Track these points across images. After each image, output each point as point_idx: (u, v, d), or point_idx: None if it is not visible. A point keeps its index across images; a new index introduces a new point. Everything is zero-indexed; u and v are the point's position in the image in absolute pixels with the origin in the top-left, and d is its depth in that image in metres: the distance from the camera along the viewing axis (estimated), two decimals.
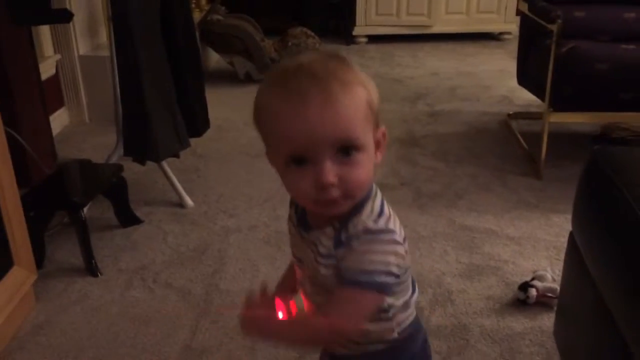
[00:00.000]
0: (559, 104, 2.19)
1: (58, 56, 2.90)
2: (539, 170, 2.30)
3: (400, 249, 0.75)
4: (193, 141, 2.29)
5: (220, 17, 3.74)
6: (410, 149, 2.61)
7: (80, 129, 2.94)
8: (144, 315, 1.57)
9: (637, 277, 0.90)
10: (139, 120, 1.85)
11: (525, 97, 3.09)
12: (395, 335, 0.84)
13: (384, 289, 0.74)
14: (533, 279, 1.59)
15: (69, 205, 1.72)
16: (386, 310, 0.81)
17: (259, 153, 2.59)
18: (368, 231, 0.74)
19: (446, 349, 1.42)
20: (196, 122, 2.11)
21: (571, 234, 1.24)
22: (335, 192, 0.72)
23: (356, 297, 0.74)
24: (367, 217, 0.75)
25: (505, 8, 4.56)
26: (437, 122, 2.95)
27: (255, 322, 0.76)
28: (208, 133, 2.38)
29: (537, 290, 1.55)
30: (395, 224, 0.76)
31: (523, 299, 1.56)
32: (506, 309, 1.57)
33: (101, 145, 2.62)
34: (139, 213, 2.04)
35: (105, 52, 3.05)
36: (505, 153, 2.56)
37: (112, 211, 2.01)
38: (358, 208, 0.76)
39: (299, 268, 0.86)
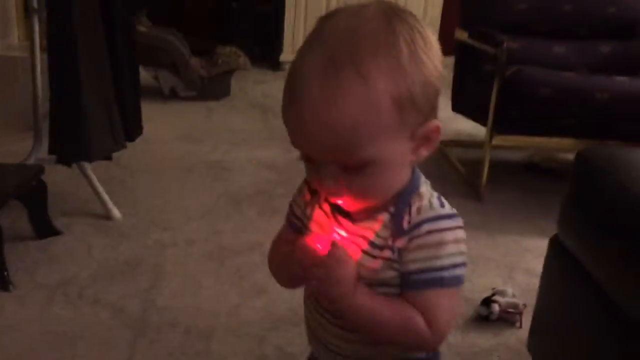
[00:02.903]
0: (502, 127, 2.21)
1: None
2: (479, 193, 2.31)
3: (463, 237, 0.65)
4: (116, 152, 2.08)
5: (144, 29, 3.55)
6: None
7: None
8: (70, 335, 1.34)
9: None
10: (72, 116, 1.65)
11: (456, 127, 3.15)
12: (422, 355, 0.72)
13: (461, 283, 0.64)
14: (494, 294, 1.55)
15: None
16: None
17: (191, 167, 2.45)
18: (442, 217, 0.64)
19: None
20: (130, 125, 1.92)
21: (552, 239, 1.20)
22: (343, 195, 0.63)
23: (440, 300, 0.63)
24: (429, 199, 0.65)
25: None
26: None
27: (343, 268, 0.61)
28: (133, 145, 2.17)
29: (500, 305, 1.50)
30: None
31: (486, 315, 1.50)
32: (469, 325, 1.50)
33: (9, 153, 2.32)
34: (57, 224, 1.80)
35: (17, 53, 2.81)
36: (443, 178, 2.56)
37: (26, 220, 1.75)
38: (412, 191, 0.65)
39: None
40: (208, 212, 1.99)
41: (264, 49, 4.73)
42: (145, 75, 3.62)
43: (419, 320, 0.63)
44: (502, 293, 1.55)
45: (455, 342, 1.43)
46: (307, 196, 0.71)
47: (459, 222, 0.66)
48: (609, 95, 2.08)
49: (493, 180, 2.37)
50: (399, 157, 0.62)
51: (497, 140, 2.23)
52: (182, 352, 1.32)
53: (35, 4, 2.19)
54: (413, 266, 0.64)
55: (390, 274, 0.65)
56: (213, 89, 3.50)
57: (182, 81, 3.47)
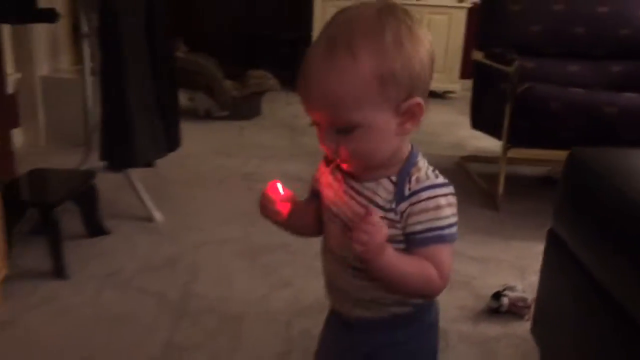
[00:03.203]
0: (516, 140, 2.35)
1: (18, 75, 2.85)
2: (496, 203, 2.43)
3: (455, 202, 0.79)
4: (158, 164, 2.28)
5: (181, 54, 3.79)
6: None
7: (36, 150, 2.86)
8: (118, 318, 1.51)
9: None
10: (120, 128, 1.85)
11: (476, 144, 3.29)
12: (417, 301, 0.85)
13: (456, 239, 0.78)
14: (504, 289, 1.67)
15: (43, 203, 1.67)
16: None
17: (224, 179, 2.63)
18: (436, 185, 0.78)
19: None
20: (170, 137, 2.12)
21: (549, 231, 1.32)
22: (341, 156, 0.78)
23: (441, 254, 0.77)
24: (426, 171, 0.79)
25: (450, 69, 4.86)
26: None
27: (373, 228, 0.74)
28: (172, 159, 2.37)
29: (509, 299, 1.62)
30: None
31: (496, 307, 1.62)
32: (480, 317, 1.62)
33: (61, 164, 2.54)
34: (106, 225, 1.99)
35: (67, 75, 3.06)
36: (462, 190, 2.69)
37: (79, 220, 1.95)
38: (411, 164, 0.79)
39: (332, 223, 0.85)
40: (239, 217, 2.16)
41: (293, 73, 4.94)
42: (182, 98, 3.86)
43: (433, 271, 0.77)
44: (512, 288, 1.66)
45: (467, 331, 1.55)
46: (323, 165, 0.87)
47: (451, 189, 0.80)
48: (618, 110, 2.20)
49: (510, 192, 2.49)
50: (383, 126, 0.75)
51: (512, 153, 2.36)
52: (217, 334, 1.47)
53: (85, 30, 2.42)
54: (419, 227, 0.77)
55: (393, 232, 0.78)
56: (244, 109, 3.71)
57: (216, 102, 3.69)
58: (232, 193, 2.44)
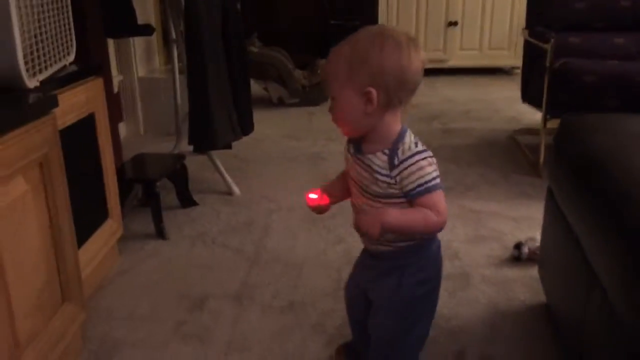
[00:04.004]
0: (554, 112, 2.55)
1: (120, 77, 3.36)
2: (538, 169, 2.64)
3: (432, 156, 1.10)
4: (236, 147, 2.70)
5: (255, 49, 4.20)
6: None
7: (136, 139, 3.36)
8: (208, 265, 1.93)
9: (602, 210, 1.22)
10: (203, 117, 2.25)
11: (532, 118, 3.46)
12: (417, 237, 1.15)
13: (441, 187, 1.09)
14: (527, 240, 1.92)
15: (146, 179, 2.12)
16: None
17: (294, 158, 3.01)
18: (416, 152, 1.08)
19: (452, 287, 1.75)
20: (244, 123, 2.51)
21: (548, 188, 1.58)
22: (333, 120, 1.11)
23: (434, 200, 1.08)
24: (409, 144, 1.10)
25: (515, 45, 4.97)
26: (451, 137, 3.33)
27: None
28: (248, 142, 2.78)
29: (529, 248, 1.88)
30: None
31: (517, 255, 1.89)
32: (503, 264, 1.90)
33: (157, 151, 3.03)
34: (195, 198, 2.43)
35: (159, 75, 3.54)
36: (510, 159, 2.92)
37: (174, 194, 2.39)
38: (400, 140, 1.10)
39: (351, 185, 1.18)
40: (304, 188, 2.49)
41: None
42: (257, 87, 4.28)
43: (430, 213, 1.07)
44: (533, 239, 1.92)
45: (489, 274, 1.83)
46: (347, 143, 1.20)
47: (429, 153, 1.10)
48: None
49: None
50: (348, 100, 1.06)
51: (551, 123, 2.57)
52: (281, 276, 1.85)
53: (173, 36, 2.87)
54: (412, 185, 1.08)
55: (391, 191, 1.10)
56: (313, 96, 4.07)
57: (287, 90, 4.08)
58: (299, 170, 2.81)
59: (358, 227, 1.10)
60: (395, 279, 1.19)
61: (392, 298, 1.19)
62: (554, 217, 1.47)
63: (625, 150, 1.24)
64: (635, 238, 0.93)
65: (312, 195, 1.20)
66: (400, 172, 1.08)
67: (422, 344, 1.26)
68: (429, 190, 1.07)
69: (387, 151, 1.10)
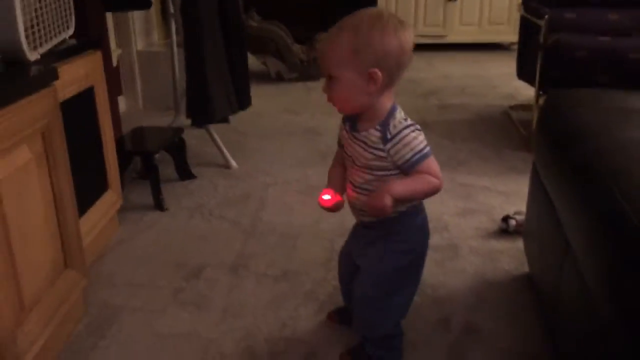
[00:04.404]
0: (547, 87, 2.58)
1: (119, 51, 3.38)
2: (529, 145, 2.69)
3: (419, 128, 1.17)
4: (234, 121, 2.74)
5: (254, 23, 4.21)
6: None
7: (136, 113, 3.40)
8: (205, 236, 1.99)
9: (577, 183, 1.27)
10: (201, 91, 2.29)
11: (527, 94, 3.49)
12: (403, 208, 1.23)
13: (431, 154, 1.16)
14: (515, 214, 1.98)
15: (145, 152, 2.16)
16: None
17: (291, 133, 3.06)
18: (406, 127, 1.15)
19: (441, 258, 1.82)
20: (241, 97, 2.55)
21: (533, 162, 1.63)
22: (329, 98, 1.17)
23: (429, 165, 1.16)
24: (400, 119, 1.17)
25: (515, 20, 4.97)
26: (447, 113, 3.36)
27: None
28: (246, 116, 2.82)
29: (516, 221, 1.94)
30: None
31: (505, 228, 1.95)
32: (491, 235, 1.96)
33: (156, 124, 3.07)
34: (193, 171, 2.48)
35: (158, 49, 3.57)
36: (503, 135, 2.96)
37: (172, 168, 2.44)
38: (391, 116, 1.16)
39: (347, 160, 1.24)
40: (301, 162, 2.59)
41: None
42: (255, 62, 4.30)
43: (431, 178, 1.15)
44: (520, 213, 1.97)
45: (476, 245, 1.90)
46: (342, 121, 1.26)
47: (416, 126, 1.17)
48: None
49: None
50: (349, 82, 1.12)
51: (543, 99, 2.60)
52: (276, 247, 1.91)
53: (171, 10, 2.89)
54: (409, 155, 1.15)
55: (385, 163, 1.17)
56: (312, 70, 4.09)
57: (286, 65, 4.10)
58: (296, 144, 2.86)
59: (362, 206, 1.21)
60: (380, 248, 1.27)
61: (377, 265, 1.26)
62: (536, 190, 1.52)
63: (605, 125, 1.29)
64: (601, 208, 0.98)
65: (326, 197, 1.26)
66: (394, 145, 1.15)
67: (403, 311, 1.34)
68: (424, 157, 1.16)
69: (379, 127, 1.17)
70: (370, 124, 1.18)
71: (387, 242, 1.27)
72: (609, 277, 0.91)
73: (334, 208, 1.26)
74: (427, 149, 1.16)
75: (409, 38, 1.13)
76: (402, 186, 1.16)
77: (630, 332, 0.84)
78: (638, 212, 0.90)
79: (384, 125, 1.16)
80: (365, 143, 1.18)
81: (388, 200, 1.13)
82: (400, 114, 1.18)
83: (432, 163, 1.16)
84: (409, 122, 1.17)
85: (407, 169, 1.16)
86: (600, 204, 0.99)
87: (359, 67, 1.11)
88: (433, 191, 1.18)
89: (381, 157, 1.17)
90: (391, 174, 1.18)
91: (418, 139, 1.16)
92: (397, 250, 1.26)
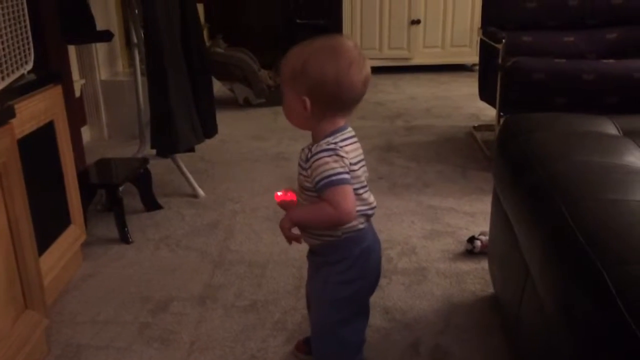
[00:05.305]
0: (508, 109, 2.65)
1: (83, 81, 3.35)
2: (491, 166, 2.74)
3: (340, 153, 1.13)
4: (201, 149, 2.73)
5: (221, 50, 4.22)
6: (388, 153, 3.06)
7: (100, 144, 3.37)
8: (172, 268, 1.97)
9: (531, 205, 1.30)
10: (165, 121, 2.28)
11: (490, 114, 3.57)
12: (339, 234, 1.20)
13: (347, 182, 1.15)
14: (480, 234, 2.01)
15: (109, 185, 2.14)
16: None
17: (258, 159, 3.06)
18: (323, 150, 1.14)
19: (409, 282, 1.82)
20: (207, 126, 2.55)
21: (494, 187, 1.66)
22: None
23: (333, 193, 1.13)
24: (326, 142, 1.15)
25: (477, 42, 5.09)
26: (413, 134, 3.41)
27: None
28: (213, 144, 2.81)
29: (481, 242, 1.97)
30: (344, 151, 1.15)
31: (470, 249, 1.98)
32: (457, 257, 1.98)
33: (121, 154, 3.05)
34: (159, 201, 2.45)
35: (123, 78, 3.55)
36: (468, 155, 3.01)
37: (138, 198, 2.42)
38: (325, 138, 1.16)
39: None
40: (268, 189, 2.58)
41: None
42: (222, 88, 4.31)
43: (327, 207, 1.13)
44: (485, 234, 2.00)
45: (443, 267, 1.91)
46: None
47: (336, 151, 1.13)
48: (595, 76, 2.46)
49: None
50: (289, 102, 1.16)
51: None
52: (245, 277, 1.90)
53: (135, 40, 2.88)
54: (315, 179, 1.14)
55: (308, 184, 1.18)
56: (279, 95, 4.10)
57: (253, 91, 4.11)
58: (263, 170, 2.86)
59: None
60: (322, 276, 1.26)
61: (319, 295, 1.27)
62: (497, 212, 1.55)
63: (560, 150, 1.32)
64: (552, 230, 1.01)
65: (279, 193, 1.27)
66: (310, 166, 1.15)
67: (355, 349, 1.30)
68: (329, 185, 1.13)
69: (307, 148, 1.18)
70: (312, 144, 1.19)
71: (328, 271, 1.25)
72: (563, 298, 0.93)
73: (283, 205, 1.27)
74: (337, 177, 1.12)
75: (357, 72, 1.13)
76: (300, 212, 1.19)
77: (584, 352, 0.85)
78: (585, 231, 0.92)
79: (311, 146, 1.18)
80: (299, 163, 1.20)
81: (285, 224, 1.18)
82: (336, 139, 1.16)
83: (336, 192, 1.12)
84: (332, 146, 1.14)
85: (318, 193, 1.15)
86: (551, 226, 1.02)
87: (295, 91, 1.15)
88: (329, 221, 1.16)
89: (307, 177, 1.17)
90: (316, 196, 1.17)
91: (328, 165, 1.12)
92: (335, 281, 1.23)
